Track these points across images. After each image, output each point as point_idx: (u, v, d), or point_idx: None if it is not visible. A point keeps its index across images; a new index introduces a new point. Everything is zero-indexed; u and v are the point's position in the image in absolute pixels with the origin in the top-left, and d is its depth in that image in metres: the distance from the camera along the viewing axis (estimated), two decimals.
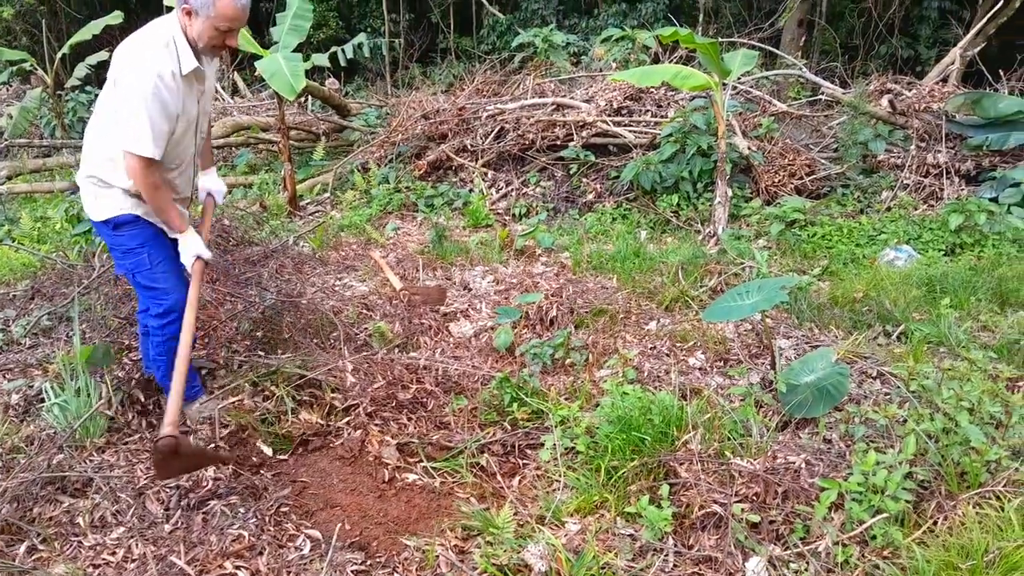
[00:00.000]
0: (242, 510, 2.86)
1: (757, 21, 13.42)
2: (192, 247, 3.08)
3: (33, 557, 2.61)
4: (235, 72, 13.52)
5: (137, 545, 2.66)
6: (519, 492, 3.04)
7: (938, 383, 3.16)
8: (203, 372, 3.73)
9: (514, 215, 7.17)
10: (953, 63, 8.38)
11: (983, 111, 6.71)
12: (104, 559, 2.60)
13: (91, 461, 3.14)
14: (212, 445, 3.24)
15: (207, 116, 3.25)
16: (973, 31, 8.72)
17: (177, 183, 3.20)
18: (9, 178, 8.16)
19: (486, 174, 7.82)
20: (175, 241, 3.20)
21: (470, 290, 5.12)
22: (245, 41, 7.55)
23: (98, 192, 3.05)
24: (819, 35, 13.60)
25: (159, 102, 2.80)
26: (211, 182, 3.50)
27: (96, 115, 3.02)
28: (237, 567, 2.56)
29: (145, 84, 2.77)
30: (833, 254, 5.67)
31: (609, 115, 7.87)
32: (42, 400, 3.50)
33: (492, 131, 8.13)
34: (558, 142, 7.83)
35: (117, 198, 3.05)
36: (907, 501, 2.53)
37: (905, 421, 2.97)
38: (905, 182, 6.71)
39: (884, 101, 7.27)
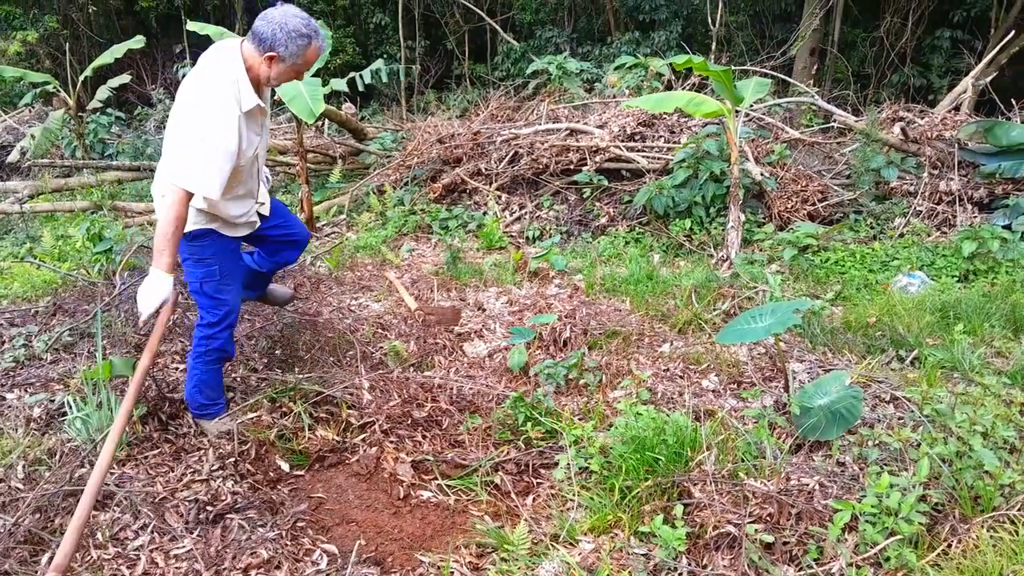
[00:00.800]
0: (260, 524, 2.90)
1: (770, 50, 13.54)
2: (163, 289, 2.89)
3: None
4: None
5: (157, 558, 2.70)
6: (533, 511, 3.06)
7: (952, 407, 3.17)
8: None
9: (528, 238, 7.23)
10: (965, 92, 8.43)
11: (995, 139, 6.75)
12: (125, 571, 2.64)
13: (112, 474, 3.18)
14: (233, 458, 3.28)
15: (266, 140, 3.34)
16: (985, 60, 8.77)
17: (243, 206, 3.27)
18: (31, 197, 8.30)
19: (500, 197, 7.90)
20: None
21: (484, 311, 5.17)
22: None
23: None
24: (831, 64, 13.70)
25: (220, 143, 2.86)
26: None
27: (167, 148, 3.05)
28: None
29: (208, 125, 2.84)
30: (846, 279, 5.70)
31: (622, 140, 7.95)
32: (64, 414, 3.56)
33: (506, 155, 8.23)
34: (571, 167, 7.91)
35: (191, 215, 3.07)
36: (921, 524, 2.54)
37: (919, 445, 2.98)
38: (918, 209, 6.74)
39: (896, 129, 7.31)
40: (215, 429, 3.47)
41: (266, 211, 3.51)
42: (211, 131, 2.84)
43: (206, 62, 2.98)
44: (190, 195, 2.87)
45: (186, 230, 3.06)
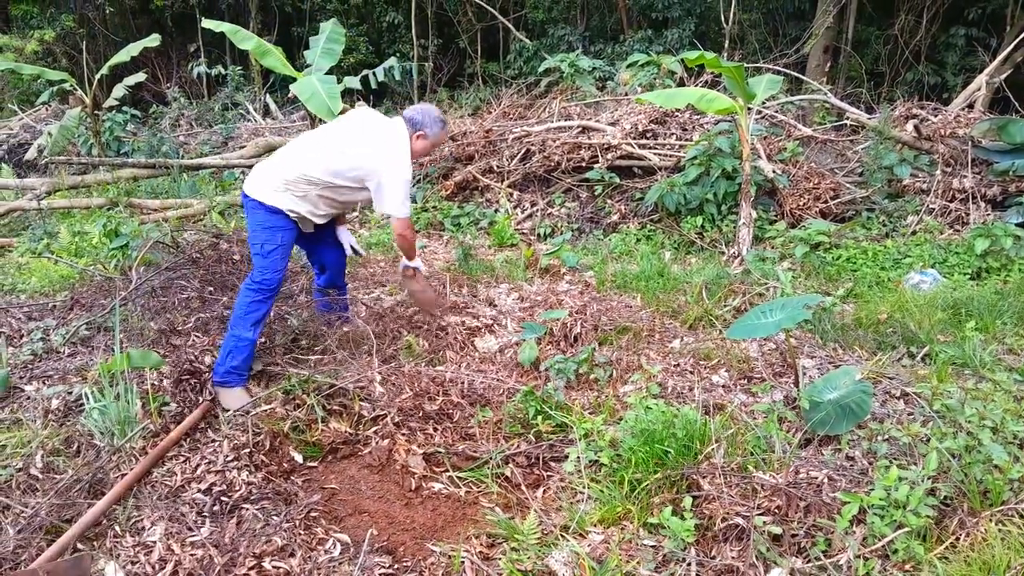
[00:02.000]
0: (274, 514, 2.94)
1: (783, 47, 13.50)
2: (415, 264, 4.43)
3: (74, 556, 2.69)
4: (267, 94, 13.81)
5: (174, 545, 2.74)
6: (543, 503, 3.09)
7: (962, 403, 3.18)
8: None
9: (539, 235, 7.26)
10: (979, 89, 8.39)
11: (1009, 137, 6.72)
12: (142, 558, 2.69)
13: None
14: (248, 449, 3.33)
15: None
16: (1000, 58, 8.73)
17: (329, 215, 4.16)
18: (49, 194, 8.39)
19: (512, 195, 7.93)
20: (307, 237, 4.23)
21: (495, 307, 5.19)
22: (279, 63, 7.76)
23: (276, 193, 3.84)
24: (845, 61, 13.65)
25: (409, 181, 3.96)
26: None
27: (318, 156, 3.86)
28: (273, 566, 2.64)
29: (408, 172, 3.93)
30: (858, 277, 5.69)
31: (634, 138, 7.97)
32: (81, 405, 3.62)
33: (518, 153, 8.26)
34: (583, 164, 7.93)
35: (285, 201, 3.85)
36: (929, 517, 2.55)
37: (928, 439, 2.99)
38: (931, 207, 6.72)
39: (909, 126, 7.29)
40: (233, 400, 3.63)
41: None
42: (407, 176, 3.93)
43: (386, 122, 4.03)
44: (407, 219, 4.05)
45: (273, 203, 3.82)
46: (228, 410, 3.63)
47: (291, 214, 3.88)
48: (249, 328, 3.76)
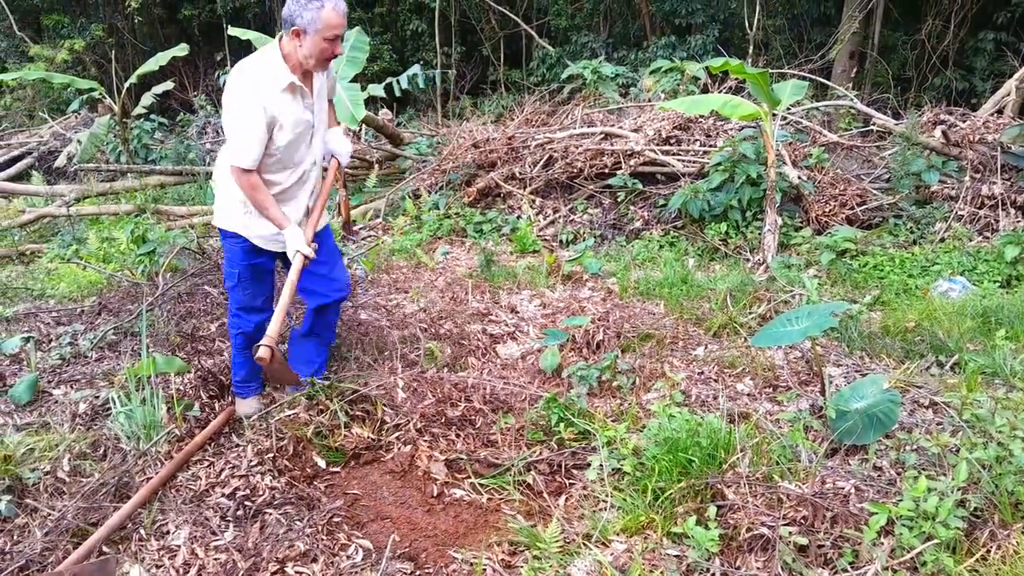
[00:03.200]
0: (297, 519, 2.96)
1: (808, 53, 13.40)
2: (293, 242, 3.34)
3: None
4: None
5: (198, 549, 2.76)
6: (565, 510, 3.07)
7: (992, 412, 3.12)
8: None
9: (561, 241, 7.24)
10: (1009, 94, 8.26)
11: None
12: (166, 561, 2.71)
13: (154, 470, 3.26)
14: (271, 454, 3.35)
15: (324, 124, 3.54)
16: None
17: (295, 190, 3.48)
18: (78, 200, 8.52)
19: (534, 201, 7.93)
20: (280, 258, 3.63)
21: (517, 313, 5.19)
22: None
23: (217, 204, 3.55)
24: (871, 67, 13.51)
25: (253, 115, 3.13)
26: (335, 141, 3.65)
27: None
28: (296, 571, 2.65)
29: (240, 102, 3.15)
30: (885, 284, 5.62)
31: (657, 144, 7.93)
32: (108, 409, 3.66)
33: (540, 159, 8.25)
34: (606, 170, 7.90)
35: (225, 212, 3.49)
36: (959, 528, 2.50)
37: (957, 449, 2.94)
38: (959, 213, 6.62)
39: (937, 132, 7.19)
40: (244, 408, 3.69)
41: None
42: (238, 113, 3.16)
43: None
44: (241, 169, 3.21)
45: (219, 225, 3.52)
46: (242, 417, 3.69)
47: (242, 233, 3.47)
48: (237, 349, 3.70)
